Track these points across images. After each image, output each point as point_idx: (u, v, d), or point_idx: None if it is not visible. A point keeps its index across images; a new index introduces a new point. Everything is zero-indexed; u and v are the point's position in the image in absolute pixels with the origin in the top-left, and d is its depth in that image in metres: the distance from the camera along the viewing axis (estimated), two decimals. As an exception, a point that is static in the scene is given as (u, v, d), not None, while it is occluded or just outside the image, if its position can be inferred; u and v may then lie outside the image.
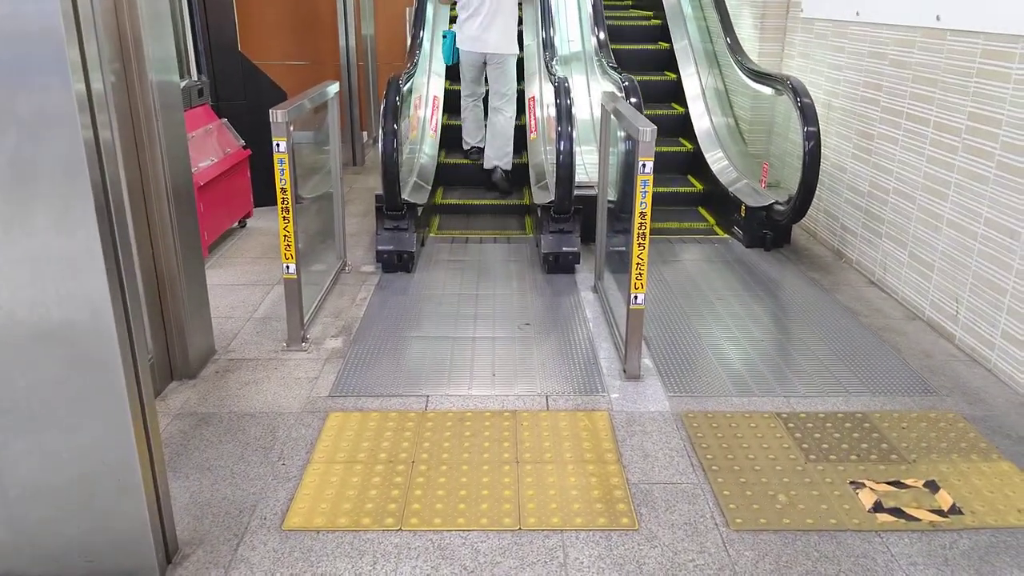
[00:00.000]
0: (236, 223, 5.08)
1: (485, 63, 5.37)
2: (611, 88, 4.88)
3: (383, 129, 4.17)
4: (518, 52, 5.43)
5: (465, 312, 3.80)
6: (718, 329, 3.63)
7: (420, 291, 4.07)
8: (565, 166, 4.12)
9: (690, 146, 5.88)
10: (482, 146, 5.64)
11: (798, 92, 4.32)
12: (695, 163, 5.78)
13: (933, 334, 3.60)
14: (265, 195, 5.38)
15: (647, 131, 2.81)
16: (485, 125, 5.63)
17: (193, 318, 3.09)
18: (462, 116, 5.76)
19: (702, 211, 5.53)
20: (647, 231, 2.91)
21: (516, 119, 5.53)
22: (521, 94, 6.15)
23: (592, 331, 3.60)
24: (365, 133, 7.58)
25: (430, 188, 5.14)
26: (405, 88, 4.87)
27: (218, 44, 5.23)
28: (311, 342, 3.45)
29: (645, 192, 2.85)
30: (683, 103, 6.13)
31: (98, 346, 1.82)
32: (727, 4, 5.84)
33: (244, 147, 5.06)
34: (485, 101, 5.65)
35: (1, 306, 1.77)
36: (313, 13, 7.83)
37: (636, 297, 2.98)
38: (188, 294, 3.03)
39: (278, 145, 3.08)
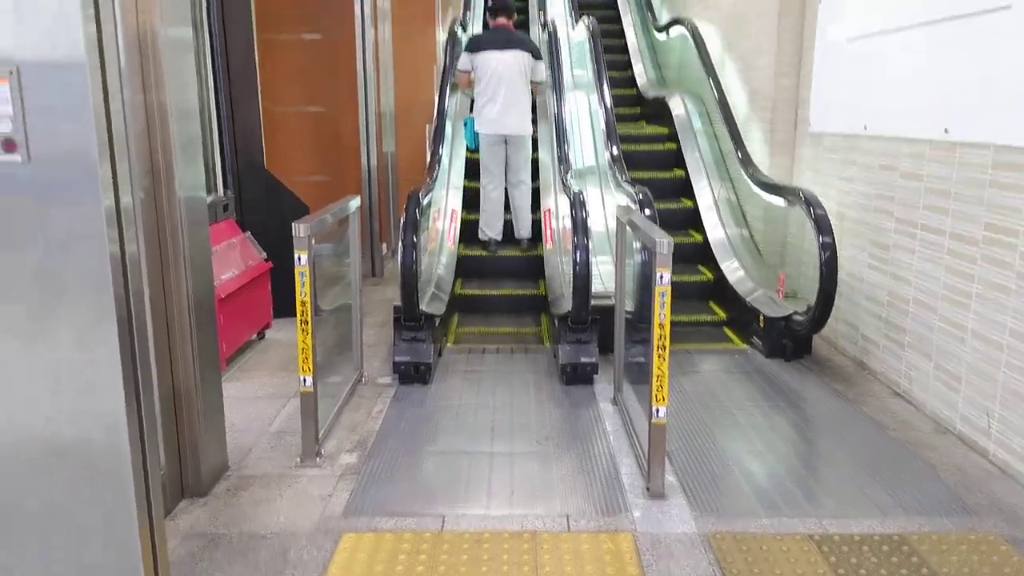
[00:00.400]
0: (255, 335, 5.10)
1: (506, 143, 5.81)
2: (626, 201, 4.97)
3: (403, 241, 4.24)
4: (532, 131, 6.02)
5: (482, 424, 3.73)
6: (742, 443, 3.53)
7: (437, 402, 4.02)
8: (582, 277, 4.15)
9: (699, 237, 5.93)
10: (500, 239, 6.01)
11: (811, 203, 4.38)
12: (704, 256, 5.82)
13: (965, 448, 3.48)
14: (285, 306, 5.42)
15: (664, 243, 2.83)
16: (505, 218, 6.04)
17: (207, 433, 3.04)
18: (481, 207, 6.01)
19: (726, 331, 5.50)
20: (667, 343, 2.88)
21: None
22: (536, 205, 6.30)
23: (613, 445, 3.51)
24: (384, 245, 7.72)
25: (447, 299, 5.17)
26: (424, 202, 4.99)
27: (245, 162, 5.42)
28: (326, 457, 3.38)
29: (663, 303, 2.84)
30: (692, 198, 6.25)
31: (111, 465, 1.78)
32: (736, 119, 6.04)
33: (266, 259, 5.15)
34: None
35: (16, 423, 1.75)
36: (336, 132, 8.15)
37: (658, 411, 2.91)
38: (204, 409, 3.00)
39: (299, 258, 3.12)
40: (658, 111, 7.64)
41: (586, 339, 4.29)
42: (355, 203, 4.14)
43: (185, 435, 2.98)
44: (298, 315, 3.18)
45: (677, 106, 7.14)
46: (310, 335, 3.20)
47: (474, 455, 3.41)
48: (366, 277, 7.18)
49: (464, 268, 5.86)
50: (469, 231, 6.20)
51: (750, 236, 5.78)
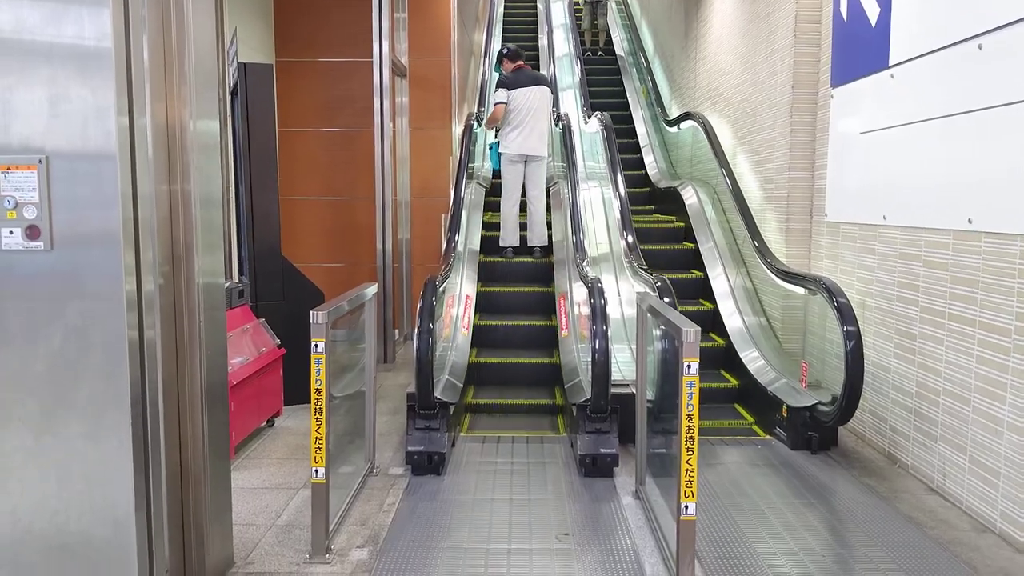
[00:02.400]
0: (265, 422, 5.00)
1: (525, 163, 6.91)
2: (643, 288, 4.94)
3: (419, 328, 4.19)
4: (548, 155, 7.12)
5: (499, 519, 3.58)
6: (773, 542, 3.36)
7: (451, 496, 3.87)
8: (600, 364, 4.07)
9: (721, 341, 5.85)
10: (516, 245, 7.09)
11: (833, 292, 4.33)
12: (727, 359, 5.72)
13: (1009, 549, 3.30)
14: (296, 393, 5.35)
15: (691, 332, 2.77)
16: (521, 235, 7.10)
17: (214, 526, 2.91)
18: (502, 221, 7.05)
19: (740, 409, 5.36)
20: (695, 434, 2.77)
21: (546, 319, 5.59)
22: (550, 294, 6.29)
23: (636, 543, 3.35)
24: (397, 331, 7.68)
25: (461, 386, 5.07)
26: (440, 289, 4.97)
27: (262, 249, 5.45)
28: (336, 553, 3.23)
29: (692, 393, 2.75)
30: (710, 299, 6.21)
31: (115, 564, 1.67)
32: (750, 209, 6.07)
33: (279, 346, 5.10)
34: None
35: (20, 518, 1.67)
36: (352, 219, 8.26)
37: (686, 507, 2.78)
38: (212, 501, 2.88)
39: (316, 345, 3.07)
40: (670, 202, 7.72)
41: (605, 429, 4.17)
42: (372, 290, 4.12)
43: (191, 527, 2.85)
44: (312, 404, 3.11)
45: (690, 196, 7.21)
46: (324, 424, 3.11)
47: (491, 552, 3.25)
48: (379, 363, 7.10)
49: (477, 374, 5.81)
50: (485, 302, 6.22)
51: (768, 325, 5.71)
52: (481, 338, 6.07)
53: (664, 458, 3.58)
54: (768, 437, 4.82)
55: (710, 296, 6.28)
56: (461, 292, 6.29)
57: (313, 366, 3.08)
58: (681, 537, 2.82)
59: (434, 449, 4.13)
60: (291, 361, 5.28)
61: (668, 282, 4.56)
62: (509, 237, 7.04)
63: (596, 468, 4.11)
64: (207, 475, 2.85)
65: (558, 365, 5.53)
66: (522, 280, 6.89)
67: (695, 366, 2.74)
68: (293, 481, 4.09)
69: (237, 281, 5.13)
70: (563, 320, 5.95)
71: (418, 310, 4.30)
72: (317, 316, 3.07)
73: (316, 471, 3.13)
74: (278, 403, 5.08)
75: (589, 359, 4.26)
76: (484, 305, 6.45)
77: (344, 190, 8.31)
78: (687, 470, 2.76)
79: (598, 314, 4.18)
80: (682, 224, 7.28)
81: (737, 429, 5.04)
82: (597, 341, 4.09)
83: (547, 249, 7.09)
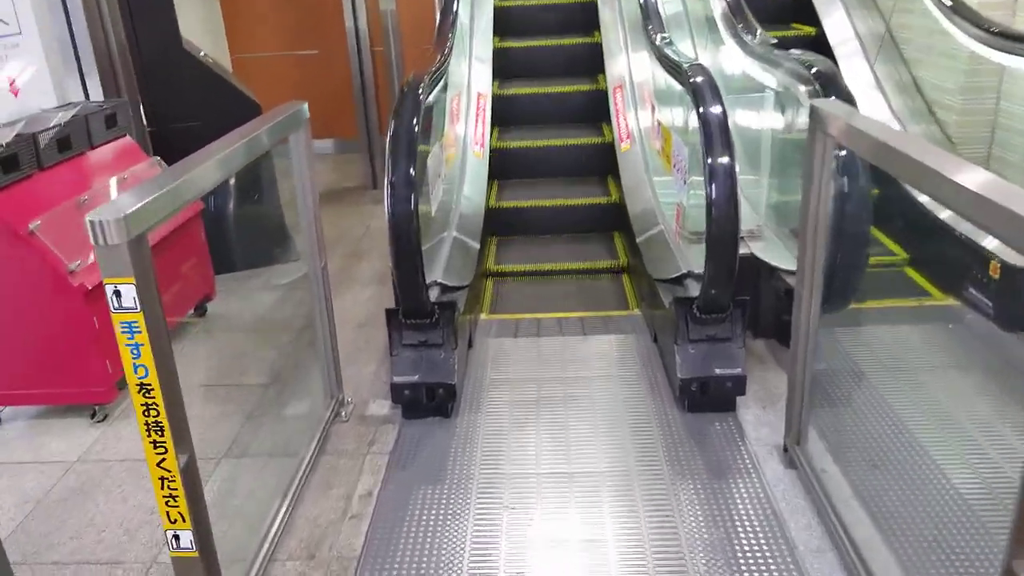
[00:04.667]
0: (192, 311, 3.36)
1: None
2: (761, 70, 2.97)
3: (393, 180, 2.35)
4: None
5: (551, 519, 2.01)
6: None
7: (467, 464, 2.29)
8: (725, 229, 2.25)
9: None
10: None
11: None
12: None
13: None
14: (227, 257, 3.68)
15: None
16: None
17: None
18: None
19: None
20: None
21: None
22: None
23: (800, 552, 1.78)
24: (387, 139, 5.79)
25: (478, 247, 3.33)
26: (432, 94, 3.04)
27: (150, 45, 3.49)
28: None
29: None
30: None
31: None
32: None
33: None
34: None
35: None
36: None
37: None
38: None
39: (115, 295, 1.30)
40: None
41: (724, 335, 2.45)
42: (293, 118, 2.25)
43: None
44: (140, 420, 1.40)
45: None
46: (171, 455, 1.43)
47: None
48: (364, 189, 5.32)
49: (499, 220, 3.94)
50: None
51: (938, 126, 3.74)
52: (505, 163, 4.17)
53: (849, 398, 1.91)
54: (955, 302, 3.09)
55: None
56: (471, 89, 4.32)
57: (121, 340, 1.33)
58: None
59: (436, 379, 2.48)
60: (218, 215, 3.55)
61: (833, 67, 2.58)
62: None
63: (707, 399, 2.46)
64: None
65: (616, 205, 3.72)
66: (560, 69, 4.79)
67: None
68: (224, 435, 2.51)
69: (91, 101, 3.26)
70: (621, 125, 4.03)
71: (389, 143, 2.43)
72: (104, 226, 1.26)
73: (173, 539, 1.50)
74: (207, 282, 3.40)
75: (682, 204, 2.46)
76: (505, 111, 4.47)
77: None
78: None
79: (716, 136, 2.28)
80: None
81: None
82: (716, 187, 2.24)
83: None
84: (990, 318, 2.93)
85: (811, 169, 1.94)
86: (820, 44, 4.19)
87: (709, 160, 2.27)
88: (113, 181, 2.97)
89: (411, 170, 2.36)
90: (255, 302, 3.51)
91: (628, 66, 4.29)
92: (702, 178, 2.44)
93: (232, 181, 3.59)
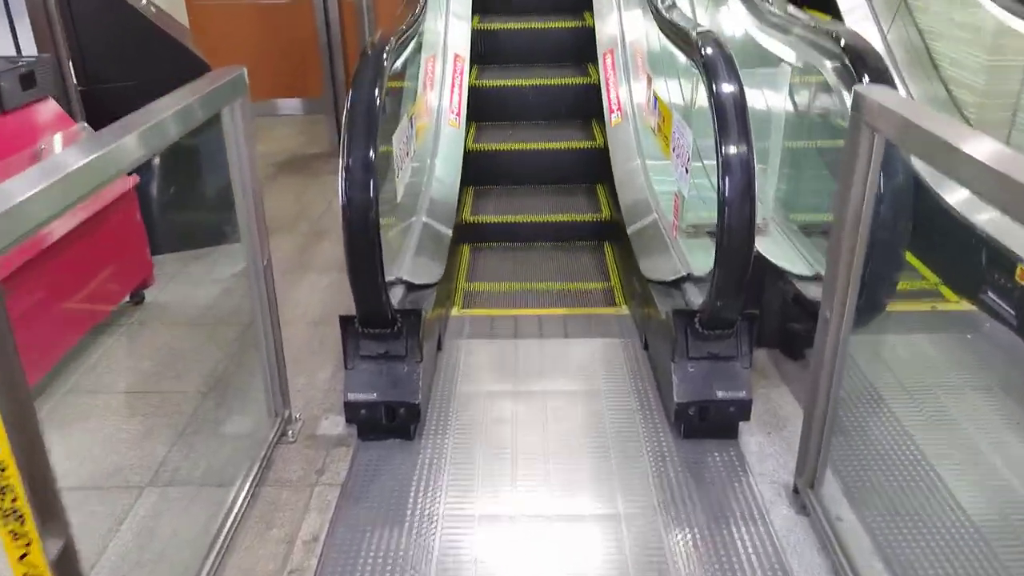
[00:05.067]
0: (127, 298, 2.99)
1: None
2: (788, 50, 2.61)
3: (349, 164, 1.98)
4: None
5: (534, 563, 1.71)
6: None
7: (431, 499, 1.97)
8: (738, 234, 1.92)
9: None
10: None
11: None
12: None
13: None
14: (170, 236, 3.31)
15: None
16: None
17: None
18: None
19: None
20: None
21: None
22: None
23: None
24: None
25: (449, 233, 2.98)
26: (402, 58, 2.66)
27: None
28: None
29: None
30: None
31: None
32: None
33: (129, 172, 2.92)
34: None
35: None
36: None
37: None
38: None
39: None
40: None
41: (728, 353, 2.14)
42: (235, 80, 1.87)
43: None
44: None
45: None
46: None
47: None
48: (330, 156, 4.91)
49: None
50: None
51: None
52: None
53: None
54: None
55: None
56: (446, 49, 3.92)
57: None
58: None
59: (398, 398, 2.14)
60: (160, 189, 3.16)
61: (862, 38, 2.23)
62: None
63: (707, 425, 2.16)
64: None
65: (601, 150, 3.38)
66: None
67: None
68: (150, 457, 2.17)
69: (14, 59, 2.84)
70: (611, 95, 3.67)
71: (345, 119, 2.04)
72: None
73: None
74: (142, 266, 3.02)
75: (681, 194, 2.14)
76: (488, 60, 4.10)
77: None
78: None
79: (732, 123, 1.93)
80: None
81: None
82: (730, 183, 1.89)
83: None
84: (1013, 329, 2.66)
85: (851, 170, 1.61)
86: (825, 8, 3.83)
87: (723, 150, 1.92)
88: (30, 150, 2.57)
89: (371, 152, 1.99)
90: (199, 289, 3.13)
91: (620, 34, 3.91)
92: (701, 164, 2.11)
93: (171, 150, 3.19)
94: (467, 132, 3.66)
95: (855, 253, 1.66)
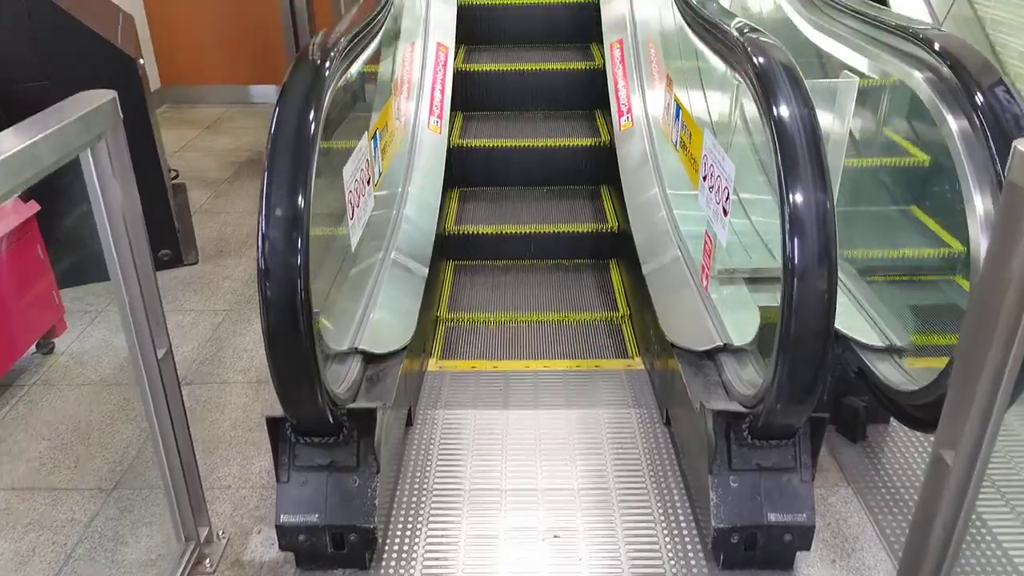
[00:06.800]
0: (33, 348, 2.45)
1: None
2: (858, 56, 2.03)
3: (266, 231, 1.42)
4: None
5: None
6: None
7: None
8: (812, 316, 1.37)
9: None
10: None
11: None
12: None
13: None
14: (80, 267, 2.77)
15: None
16: None
17: None
18: None
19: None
20: None
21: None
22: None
23: None
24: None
25: (426, 272, 2.43)
26: (361, 61, 2.08)
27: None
28: None
29: None
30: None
31: None
32: None
33: (26, 198, 2.38)
34: None
35: None
36: None
37: None
38: None
39: None
40: None
41: (784, 464, 1.61)
42: (99, 111, 1.32)
43: None
44: None
45: None
46: None
47: None
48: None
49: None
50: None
51: None
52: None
53: None
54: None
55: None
56: (427, 37, 3.33)
57: None
58: None
59: (346, 521, 1.62)
60: (66, 211, 2.61)
61: (965, 43, 1.67)
62: None
63: (755, 556, 1.64)
64: None
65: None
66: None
67: None
68: (54, 553, 1.65)
69: None
70: (619, 99, 3.10)
71: (266, 156, 1.49)
72: None
73: None
74: (52, 310, 2.48)
75: (715, 236, 1.59)
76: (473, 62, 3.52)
77: None
78: None
79: (801, 161, 1.37)
80: None
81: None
82: (799, 249, 1.34)
83: None
84: None
85: (1008, 256, 1.06)
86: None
87: (790, 198, 1.37)
88: None
89: (300, 201, 1.44)
90: (120, 333, 2.59)
91: (631, 23, 3.32)
92: (737, 197, 1.57)
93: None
94: (451, 126, 3.10)
95: (1008, 366, 1.12)
